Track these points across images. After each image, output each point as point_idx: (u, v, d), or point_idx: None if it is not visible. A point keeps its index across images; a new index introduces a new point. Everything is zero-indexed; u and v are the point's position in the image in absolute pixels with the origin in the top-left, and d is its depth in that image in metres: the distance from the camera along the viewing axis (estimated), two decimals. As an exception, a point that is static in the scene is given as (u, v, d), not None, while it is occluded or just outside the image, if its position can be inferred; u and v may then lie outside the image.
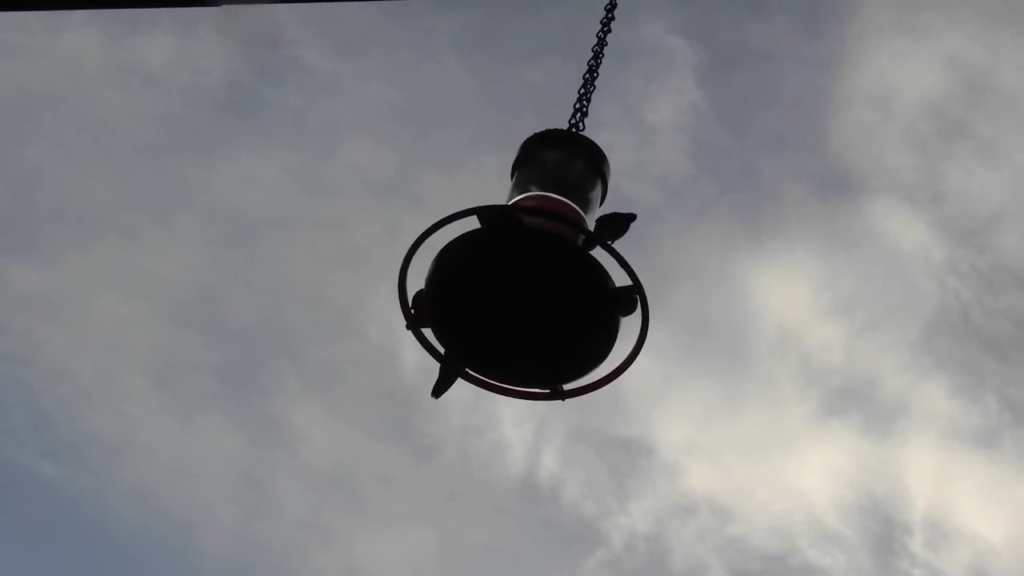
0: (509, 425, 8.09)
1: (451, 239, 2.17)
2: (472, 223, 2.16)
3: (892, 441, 8.14)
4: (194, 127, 7.73)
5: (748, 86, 7.45)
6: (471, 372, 2.22)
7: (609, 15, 2.52)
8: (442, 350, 2.22)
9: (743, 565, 8.15)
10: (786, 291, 7.96)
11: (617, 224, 2.25)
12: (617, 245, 2.19)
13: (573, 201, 2.23)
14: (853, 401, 8.14)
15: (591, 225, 2.24)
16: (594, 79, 2.42)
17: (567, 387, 2.21)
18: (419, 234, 2.17)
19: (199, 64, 7.63)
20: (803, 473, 8.31)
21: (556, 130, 2.34)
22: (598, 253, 2.18)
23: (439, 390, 2.25)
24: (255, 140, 7.82)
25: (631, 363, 2.18)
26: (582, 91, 2.40)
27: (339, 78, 7.67)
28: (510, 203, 2.24)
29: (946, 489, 8.16)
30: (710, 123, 7.64)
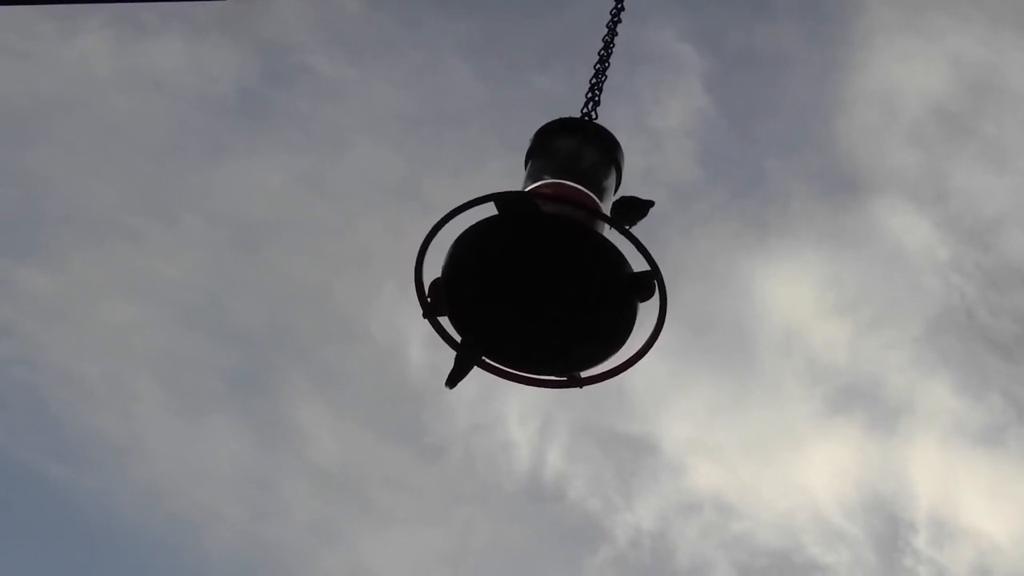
0: (515, 424, 8.09)
1: (467, 227, 2.14)
2: (488, 212, 2.13)
3: (897, 439, 8.15)
4: (202, 131, 7.76)
5: (754, 88, 7.47)
6: (487, 360, 2.18)
7: (619, 4, 2.51)
8: (458, 339, 2.18)
9: (748, 562, 8.15)
10: (791, 290, 7.98)
11: (634, 209, 2.24)
12: (635, 232, 2.16)
13: (588, 189, 2.22)
14: (858, 399, 8.15)
15: (607, 211, 2.22)
16: (605, 68, 2.40)
17: (584, 374, 2.18)
18: (436, 221, 2.14)
19: (208, 69, 7.65)
20: (808, 471, 8.32)
21: (570, 118, 2.32)
22: (615, 239, 2.14)
23: (454, 380, 2.21)
24: (263, 144, 7.85)
25: (649, 348, 2.16)
26: (593, 80, 2.38)
27: (347, 83, 7.69)
28: (527, 190, 2.22)
29: (951, 487, 8.17)
30: (717, 126, 7.66)
